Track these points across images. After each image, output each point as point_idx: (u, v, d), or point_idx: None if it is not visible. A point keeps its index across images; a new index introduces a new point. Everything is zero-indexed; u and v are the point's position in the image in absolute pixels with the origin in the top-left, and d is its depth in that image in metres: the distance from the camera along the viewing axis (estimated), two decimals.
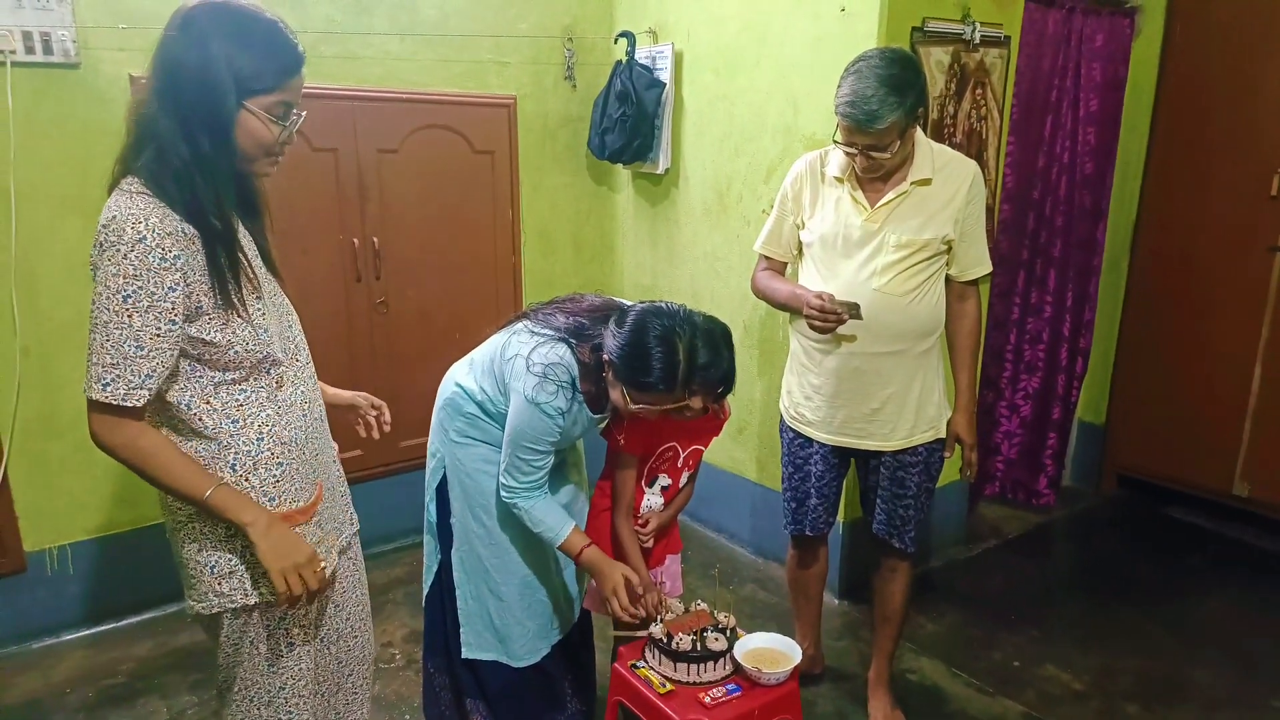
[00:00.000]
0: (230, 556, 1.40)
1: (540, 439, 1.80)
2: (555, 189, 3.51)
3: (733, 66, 3.03)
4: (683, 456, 2.05)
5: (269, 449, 1.41)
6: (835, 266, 2.09)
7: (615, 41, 3.36)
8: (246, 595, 1.41)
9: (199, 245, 1.29)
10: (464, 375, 1.98)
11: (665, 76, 3.23)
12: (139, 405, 1.28)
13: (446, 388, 2.02)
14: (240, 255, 1.37)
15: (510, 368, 1.82)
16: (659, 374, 1.68)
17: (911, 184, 2.01)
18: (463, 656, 2.02)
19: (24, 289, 2.51)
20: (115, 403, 1.26)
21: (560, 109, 3.43)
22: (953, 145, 2.68)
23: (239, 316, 1.35)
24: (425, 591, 2.11)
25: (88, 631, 2.78)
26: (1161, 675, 2.62)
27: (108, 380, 1.25)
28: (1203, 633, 2.85)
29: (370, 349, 3.14)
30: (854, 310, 1.96)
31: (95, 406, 1.28)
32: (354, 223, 3.02)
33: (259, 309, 1.40)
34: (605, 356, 1.77)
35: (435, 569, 2.08)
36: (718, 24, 3.06)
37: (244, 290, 1.37)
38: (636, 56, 3.29)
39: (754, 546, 3.28)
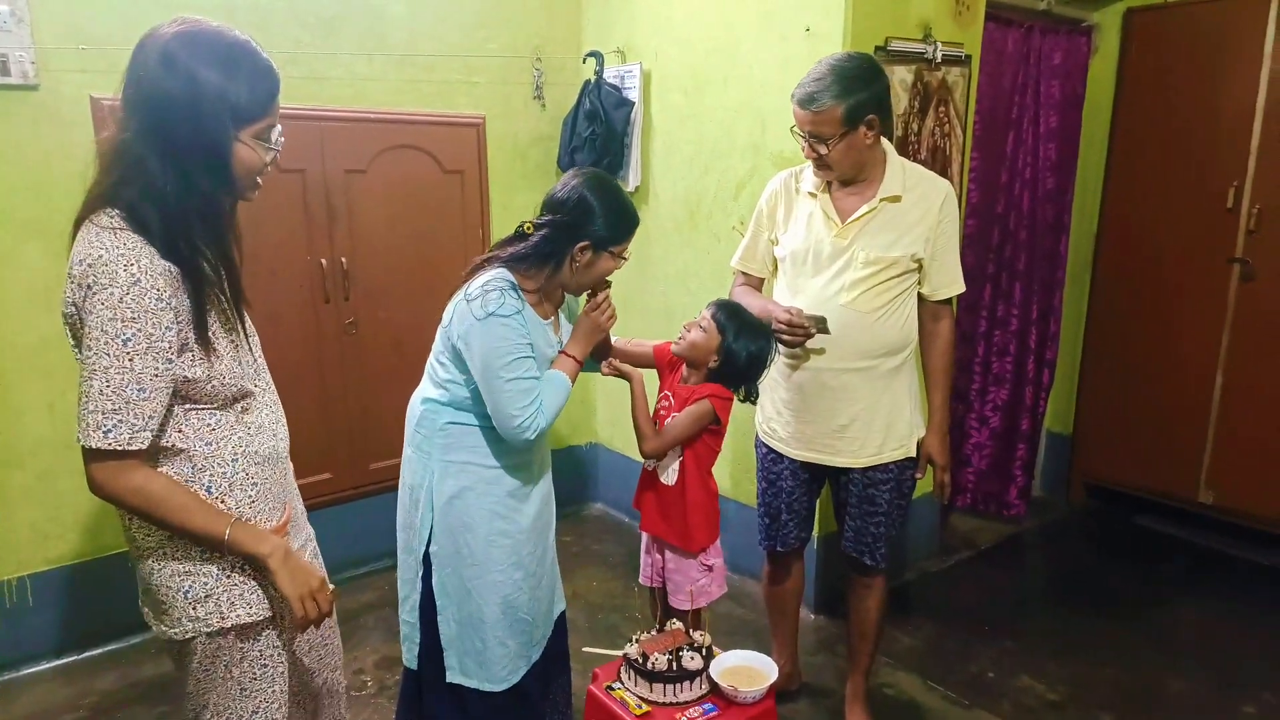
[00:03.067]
0: (205, 580, 1.38)
1: (515, 347, 1.78)
2: (526, 208, 3.47)
3: (701, 86, 3.06)
4: (672, 416, 2.05)
5: (244, 469, 1.40)
6: (805, 282, 2.11)
7: (584, 61, 3.38)
8: (223, 619, 1.39)
9: (181, 283, 1.27)
10: (426, 389, 1.98)
11: (634, 95, 3.25)
12: (142, 448, 1.26)
13: (414, 410, 2.00)
14: (237, 290, 1.38)
15: (455, 323, 1.82)
16: (631, 208, 1.87)
17: (881, 200, 2.04)
18: (447, 680, 2.00)
19: None
20: (120, 448, 1.24)
21: (530, 128, 3.44)
22: (918, 162, 2.72)
23: (215, 352, 1.34)
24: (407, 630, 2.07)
25: (50, 665, 2.70)
26: (1135, 683, 2.64)
27: (110, 426, 1.23)
28: (1177, 641, 2.89)
29: (340, 370, 3.11)
30: (822, 324, 1.98)
31: (96, 455, 1.25)
32: (322, 244, 2.99)
33: (236, 341, 1.39)
34: (582, 245, 1.80)
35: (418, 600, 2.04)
36: (686, 45, 3.09)
37: (220, 325, 1.36)
38: (605, 76, 3.31)
39: (729, 563, 3.25)
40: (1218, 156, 3.33)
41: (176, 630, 1.39)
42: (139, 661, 2.71)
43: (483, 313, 1.77)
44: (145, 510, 1.30)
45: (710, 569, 2.14)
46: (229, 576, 1.38)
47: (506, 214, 3.44)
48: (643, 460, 2.11)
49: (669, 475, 2.06)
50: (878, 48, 2.61)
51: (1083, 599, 3.18)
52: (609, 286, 1.92)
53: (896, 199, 2.04)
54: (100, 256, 1.21)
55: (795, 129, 2.01)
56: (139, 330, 1.22)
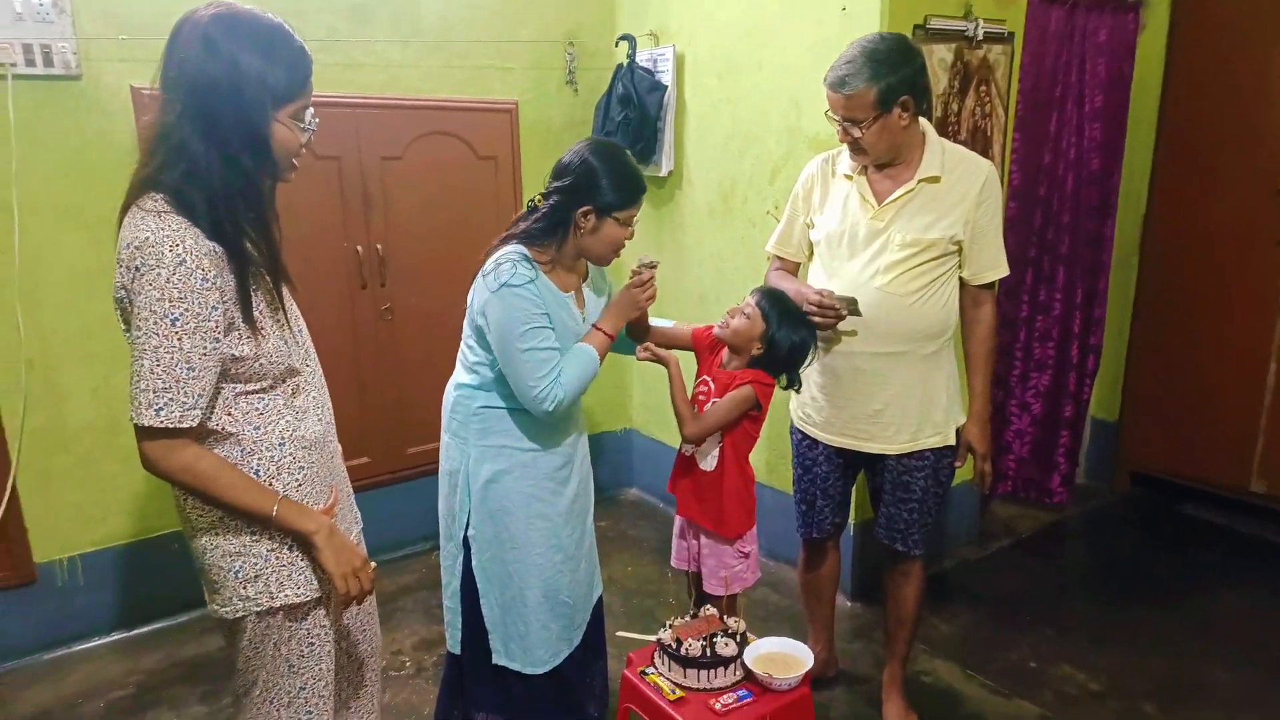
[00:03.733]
0: (255, 560, 1.40)
1: (529, 316, 1.79)
2: None
3: (735, 69, 3.02)
4: (711, 402, 2.03)
5: (291, 454, 1.42)
6: (840, 265, 2.07)
7: (616, 45, 3.36)
8: (272, 598, 1.41)
9: (226, 263, 1.30)
10: (459, 374, 2.00)
11: (667, 79, 3.22)
12: (193, 425, 1.29)
13: (449, 397, 2.02)
14: (278, 270, 1.40)
15: (475, 301, 1.86)
16: (635, 173, 1.86)
17: (919, 181, 1.99)
18: (493, 663, 2.02)
19: (27, 301, 2.51)
20: (171, 426, 1.26)
21: (563, 114, 3.43)
22: (958, 143, 2.66)
23: (263, 330, 1.36)
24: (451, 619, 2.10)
25: (97, 642, 2.78)
26: (1180, 674, 2.58)
27: (160, 405, 1.25)
28: (1221, 631, 2.81)
29: (376, 356, 3.14)
30: (853, 305, 1.95)
31: (148, 433, 1.28)
32: (358, 230, 3.02)
33: (281, 320, 1.41)
34: (584, 210, 1.81)
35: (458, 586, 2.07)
36: (719, 27, 3.05)
37: (266, 304, 1.39)
38: (638, 60, 3.28)
39: (765, 549, 3.23)
40: (1271, 137, 3.21)
41: (228, 609, 1.42)
42: (183, 641, 2.77)
43: (496, 284, 1.79)
44: (196, 487, 1.32)
45: (746, 555, 2.13)
46: (278, 557, 1.41)
47: None
48: (682, 445, 2.10)
49: (708, 461, 2.05)
50: (916, 26, 2.55)
51: (1126, 588, 3.11)
52: (655, 266, 1.93)
53: (935, 180, 2.00)
54: (147, 239, 1.23)
55: (829, 113, 1.97)
56: (186, 309, 1.24)
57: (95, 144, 2.53)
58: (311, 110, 1.40)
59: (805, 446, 2.26)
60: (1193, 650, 2.70)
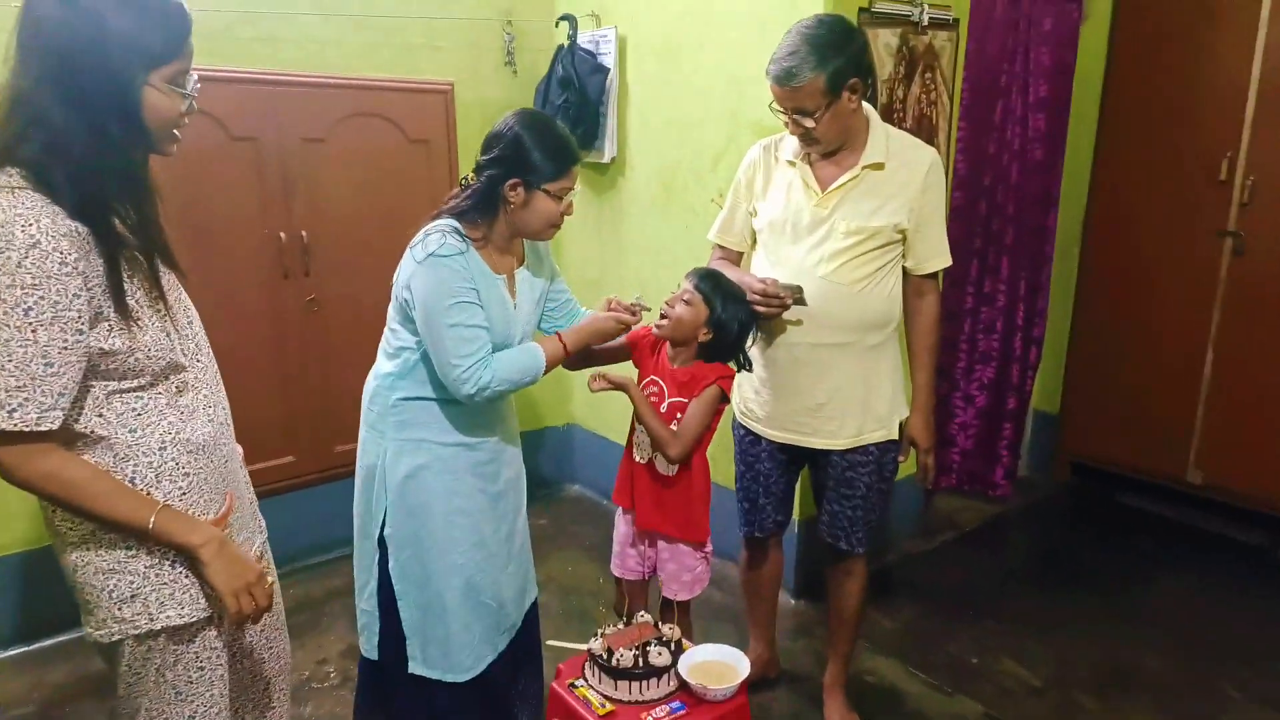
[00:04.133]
0: (131, 578, 1.27)
1: (457, 289, 1.70)
2: None
3: (676, 51, 2.92)
4: (667, 402, 1.95)
5: (173, 458, 1.29)
6: (783, 253, 2.00)
7: (556, 25, 3.23)
8: (151, 620, 1.28)
9: (93, 245, 1.16)
10: (380, 364, 1.89)
11: (609, 62, 3.11)
12: (53, 428, 1.15)
13: (368, 388, 1.91)
14: (154, 251, 1.25)
15: (400, 275, 1.77)
16: (566, 142, 1.77)
17: (863, 168, 1.93)
18: (409, 671, 1.90)
19: None
20: (27, 429, 1.12)
21: (501, 96, 3.29)
22: (903, 130, 2.61)
23: (139, 321, 1.22)
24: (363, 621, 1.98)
25: None
26: (1117, 665, 2.58)
27: (14, 405, 1.11)
28: (1158, 620, 2.83)
29: (301, 349, 2.98)
30: (798, 293, 1.87)
31: (3, 438, 1.13)
32: (279, 216, 2.85)
33: (161, 310, 1.27)
34: (511, 182, 1.72)
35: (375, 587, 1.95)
36: (660, 6, 2.95)
37: (143, 291, 1.24)
38: (579, 41, 3.17)
39: (714, 547, 3.18)
40: (1211, 127, 3.23)
41: (102, 632, 1.29)
42: (89, 655, 2.57)
43: (423, 254, 1.70)
44: (62, 498, 1.19)
45: (707, 554, 2.06)
46: (158, 574, 1.28)
47: None
48: (632, 451, 2.00)
49: (668, 465, 1.96)
50: (861, 9, 2.49)
51: (1066, 578, 3.11)
52: (644, 310, 1.93)
53: (879, 166, 1.93)
54: None
55: (773, 105, 1.88)
56: (42, 298, 1.10)
57: None
58: (195, 76, 1.27)
59: (748, 443, 2.18)
60: (1131, 640, 2.71)
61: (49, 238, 1.10)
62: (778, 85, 1.83)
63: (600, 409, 3.60)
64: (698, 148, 2.90)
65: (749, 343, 1.98)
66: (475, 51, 3.20)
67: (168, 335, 1.28)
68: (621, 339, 2.01)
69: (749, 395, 2.14)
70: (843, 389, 2.00)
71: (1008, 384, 3.58)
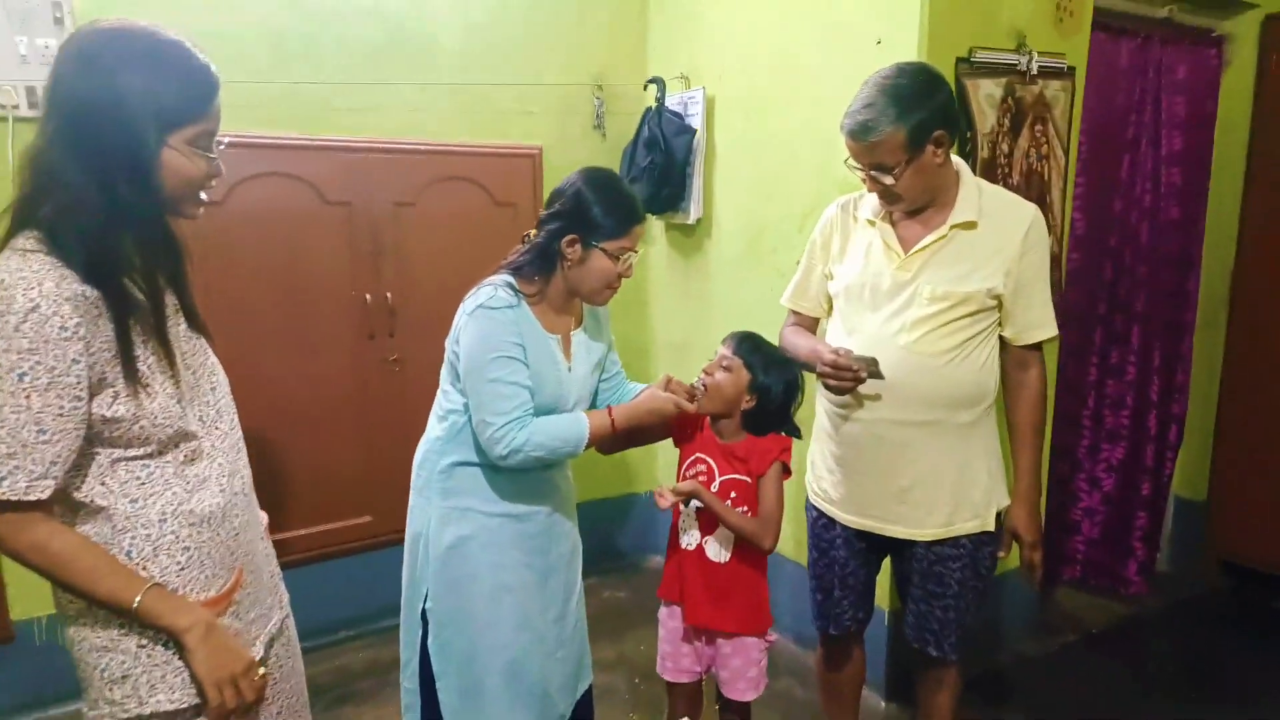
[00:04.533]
0: (123, 658, 1.21)
1: (501, 343, 1.63)
2: None
3: (764, 108, 2.82)
4: (718, 481, 1.80)
5: (173, 531, 1.23)
6: (860, 320, 1.83)
7: (645, 88, 3.21)
8: (141, 704, 1.22)
9: (103, 309, 1.14)
10: (430, 427, 1.83)
11: (697, 122, 3.05)
12: (43, 498, 1.11)
13: (418, 453, 1.85)
14: (163, 319, 1.22)
15: (453, 332, 1.73)
16: (628, 201, 1.71)
17: (952, 228, 1.74)
18: None
19: None
20: (16, 499, 1.09)
21: (588, 159, 3.25)
22: (1008, 187, 2.39)
23: (146, 388, 1.19)
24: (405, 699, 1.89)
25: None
26: None
27: (3, 474, 1.09)
28: None
29: (383, 409, 2.99)
30: (873, 367, 1.69)
31: None
32: (367, 278, 2.90)
33: (172, 377, 1.24)
34: (569, 239, 1.68)
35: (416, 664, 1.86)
36: (749, 66, 2.87)
37: (155, 358, 1.22)
38: (668, 103, 3.13)
39: (793, 633, 2.94)
40: None
41: (94, 713, 1.23)
42: None
43: (472, 305, 1.66)
44: (49, 571, 1.15)
45: (772, 643, 1.89)
46: (150, 655, 1.22)
47: None
48: (679, 538, 1.85)
49: (720, 551, 1.81)
50: (960, 59, 2.32)
51: (1212, 694, 2.68)
52: (700, 391, 1.81)
53: (971, 225, 1.74)
54: (1, 281, 1.08)
55: (849, 162, 1.75)
56: (38, 363, 1.08)
57: None
58: (224, 139, 1.25)
59: (821, 526, 1.98)
60: None
61: (50, 302, 1.08)
62: (853, 140, 1.69)
63: None
64: (785, 207, 2.77)
65: (795, 408, 1.84)
66: (564, 116, 3.21)
67: (178, 402, 1.24)
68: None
69: (822, 474, 1.95)
70: (930, 472, 1.78)
71: (1141, 466, 3.19)
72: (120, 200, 1.14)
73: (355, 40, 2.79)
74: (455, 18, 2.95)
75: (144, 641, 1.21)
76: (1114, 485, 3.22)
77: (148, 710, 1.22)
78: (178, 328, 1.31)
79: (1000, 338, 1.82)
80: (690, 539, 1.83)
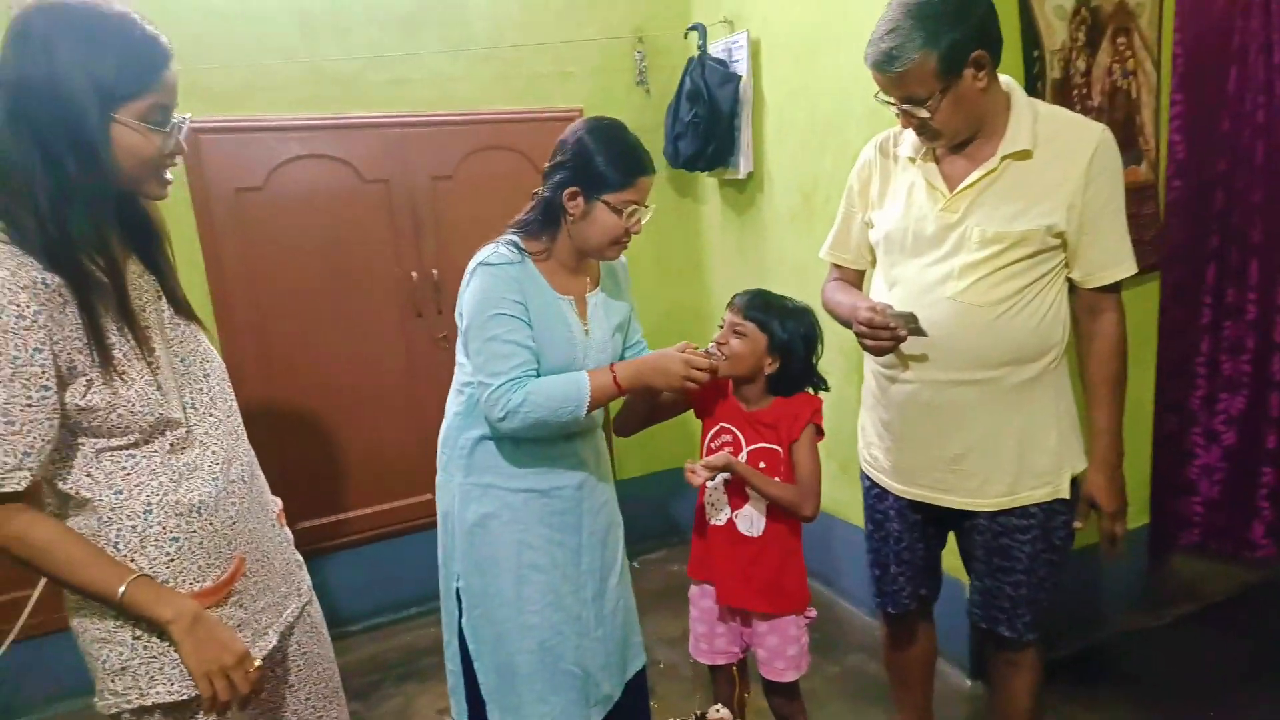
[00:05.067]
0: (120, 650, 1.20)
1: (499, 300, 1.56)
2: None
3: (813, 50, 2.61)
4: (745, 451, 1.69)
5: (160, 522, 1.20)
6: (902, 269, 1.64)
7: (685, 37, 3.03)
8: (141, 695, 1.20)
9: (68, 296, 1.11)
10: (450, 400, 1.78)
11: (742, 69, 2.85)
12: (20, 489, 1.10)
13: (442, 429, 1.81)
14: (126, 301, 1.19)
15: (461, 297, 1.66)
16: (633, 151, 1.60)
17: (1003, 159, 1.53)
18: None
19: None
20: None
21: (633, 118, 3.04)
22: (1088, 109, 2.13)
23: (122, 375, 1.16)
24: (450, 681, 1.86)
25: None
26: None
27: None
28: None
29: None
30: (912, 323, 1.51)
31: None
32: (410, 256, 2.86)
33: (150, 363, 1.20)
34: (570, 191, 1.59)
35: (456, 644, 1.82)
36: (793, 4, 2.65)
37: (130, 343, 1.18)
38: (711, 50, 2.94)
39: (867, 605, 2.77)
40: None
41: (101, 703, 1.23)
42: None
43: (473, 264, 1.61)
44: (32, 563, 1.13)
45: (812, 620, 1.77)
46: (146, 647, 1.20)
47: None
48: (706, 513, 1.73)
49: (753, 524, 1.69)
50: None
51: None
52: (721, 361, 1.66)
53: (1025, 155, 1.52)
54: None
55: (880, 96, 1.55)
56: None
57: None
58: (181, 115, 1.19)
59: (874, 497, 1.82)
60: None
61: (5, 291, 1.05)
62: (878, 71, 1.50)
63: None
64: (838, 155, 2.56)
65: (817, 358, 1.71)
66: (606, 75, 3.07)
67: (157, 389, 1.20)
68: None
69: (873, 440, 1.78)
70: (986, 436, 1.59)
71: (1265, 417, 2.83)
72: (69, 179, 1.10)
73: (383, 11, 2.73)
74: None
75: (139, 633, 1.19)
76: (1235, 439, 2.87)
77: (149, 701, 1.21)
78: (161, 314, 1.27)
79: (1068, 280, 1.60)
80: (720, 515, 1.71)
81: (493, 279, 1.57)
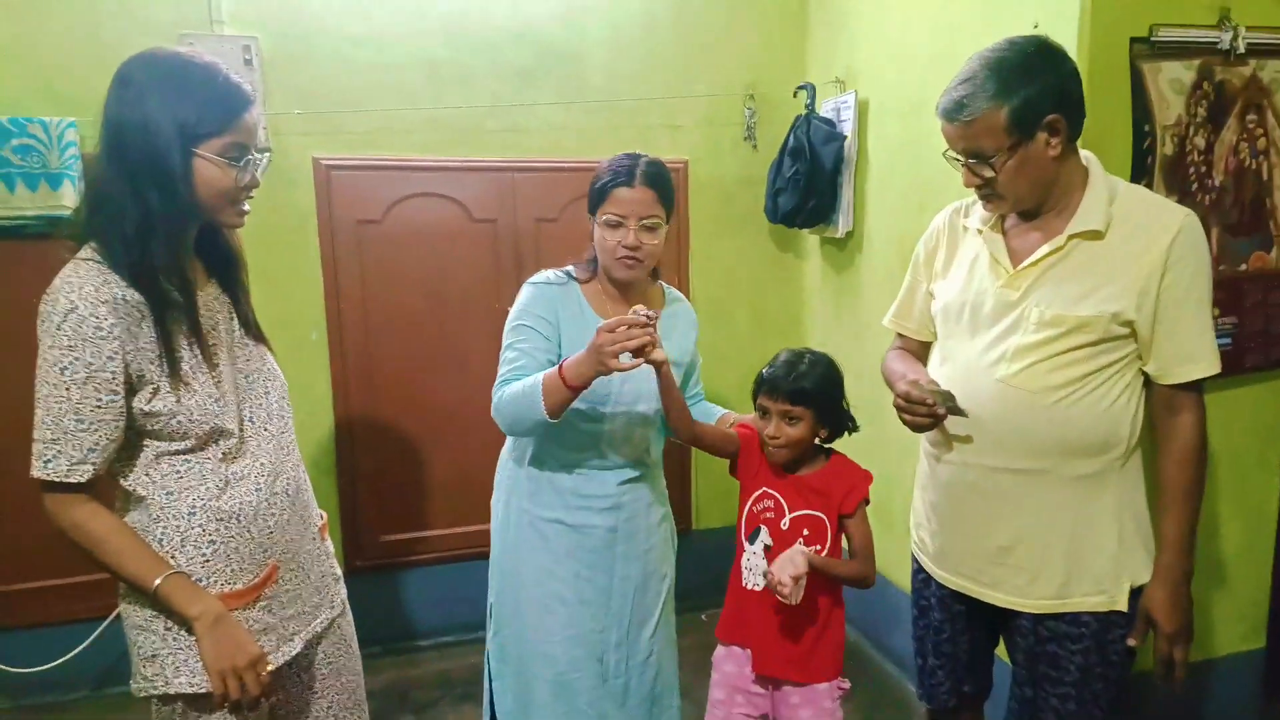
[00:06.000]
0: (152, 638, 1.32)
1: (523, 313, 1.68)
2: (730, 256, 3.23)
3: (918, 109, 2.55)
4: (788, 518, 1.65)
5: (200, 524, 1.32)
6: (956, 346, 1.58)
7: (794, 95, 3.04)
8: (167, 684, 1.32)
9: (145, 312, 1.26)
10: None
11: (848, 128, 2.83)
12: (83, 481, 1.24)
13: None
14: (196, 319, 1.33)
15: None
16: (616, 167, 1.69)
17: (1070, 238, 1.45)
18: None
19: None
20: (59, 480, 1.23)
21: (738, 171, 3.17)
22: (1208, 188, 1.98)
23: (186, 385, 1.30)
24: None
25: None
26: None
27: (49, 457, 1.23)
28: None
29: None
30: (949, 401, 1.44)
31: (44, 486, 1.26)
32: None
33: (212, 377, 1.34)
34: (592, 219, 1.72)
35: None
36: (903, 62, 2.62)
37: (197, 357, 1.32)
38: (821, 110, 2.94)
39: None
40: None
41: (133, 686, 1.35)
42: None
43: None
44: (86, 549, 1.27)
45: (845, 690, 1.71)
46: (175, 638, 1.31)
47: (709, 264, 3.20)
48: (744, 579, 1.70)
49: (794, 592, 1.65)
50: (1135, 40, 1.94)
51: None
52: (651, 319, 1.47)
53: (1096, 235, 1.44)
54: (54, 285, 1.23)
55: (949, 154, 1.52)
56: (76, 359, 1.20)
57: (280, 209, 2.78)
58: (255, 150, 1.33)
59: (920, 581, 1.74)
60: None
61: (88, 304, 1.20)
62: (946, 121, 1.47)
63: None
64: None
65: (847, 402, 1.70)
66: (714, 128, 3.12)
67: (216, 401, 1.33)
68: (730, 429, 1.74)
69: (920, 521, 1.70)
70: (1035, 530, 1.49)
71: None
72: (153, 208, 1.24)
73: (506, 64, 2.91)
74: (604, 36, 2.98)
75: (170, 625, 1.30)
76: None
77: (172, 690, 1.31)
78: (231, 333, 1.41)
79: (1145, 373, 1.48)
80: (760, 580, 1.68)
81: (529, 295, 1.70)
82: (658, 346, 1.48)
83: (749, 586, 1.69)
